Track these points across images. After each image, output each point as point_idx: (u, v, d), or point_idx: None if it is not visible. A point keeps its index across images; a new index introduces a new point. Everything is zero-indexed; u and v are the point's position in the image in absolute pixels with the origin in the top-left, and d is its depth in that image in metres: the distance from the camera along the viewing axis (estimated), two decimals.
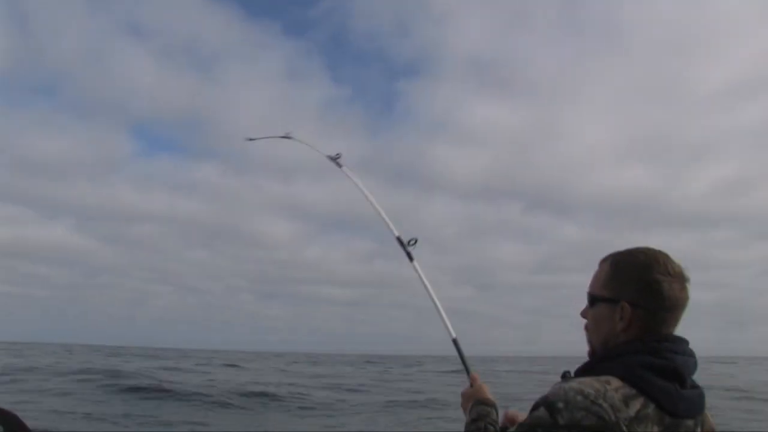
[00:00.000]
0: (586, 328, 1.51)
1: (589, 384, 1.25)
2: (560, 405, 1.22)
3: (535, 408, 1.28)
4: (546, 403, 1.26)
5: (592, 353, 1.48)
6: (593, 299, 1.48)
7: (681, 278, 1.39)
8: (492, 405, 1.72)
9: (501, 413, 1.74)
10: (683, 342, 1.40)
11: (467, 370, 1.97)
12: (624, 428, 1.20)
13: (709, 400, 1.42)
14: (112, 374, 22.75)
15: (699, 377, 1.42)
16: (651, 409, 1.25)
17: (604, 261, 1.50)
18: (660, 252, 1.43)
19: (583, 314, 1.52)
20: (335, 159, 2.91)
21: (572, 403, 1.21)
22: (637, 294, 1.38)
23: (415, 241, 2.37)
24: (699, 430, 1.33)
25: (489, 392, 1.80)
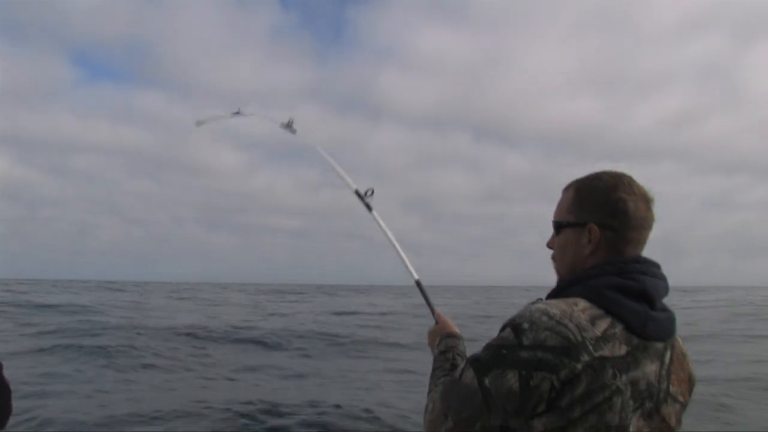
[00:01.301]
0: (553, 257, 1.48)
1: (556, 305, 1.25)
2: (525, 325, 1.22)
3: (502, 329, 1.28)
4: (512, 323, 1.25)
5: (561, 282, 1.45)
6: (558, 226, 1.45)
7: (646, 198, 1.38)
8: (459, 337, 1.71)
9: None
10: (653, 264, 1.37)
11: (432, 309, 1.96)
12: (590, 347, 1.19)
13: None
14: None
15: None
16: (618, 329, 1.24)
17: (567, 189, 1.47)
18: (623, 174, 1.42)
19: (549, 244, 1.50)
20: (289, 126, 2.93)
21: (537, 324, 1.21)
22: (603, 215, 1.36)
23: (372, 192, 2.34)
24: (669, 353, 1.32)
25: (454, 325, 1.78)
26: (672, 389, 1.31)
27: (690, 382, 1.37)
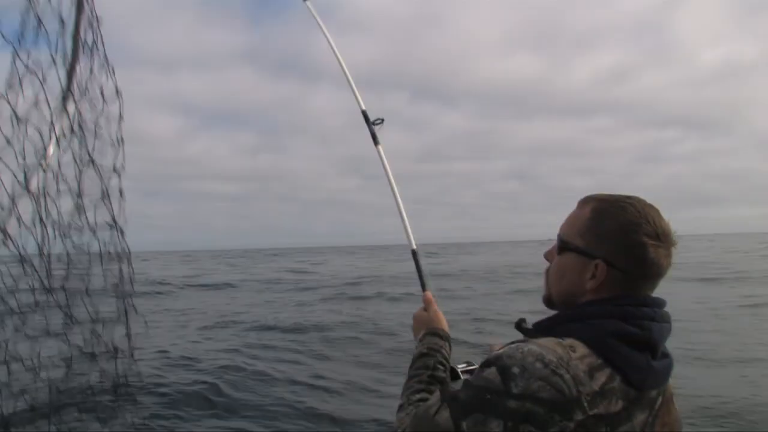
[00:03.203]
0: (547, 272, 1.33)
1: (552, 349, 1.11)
2: (515, 370, 1.08)
3: (486, 365, 1.13)
4: (499, 365, 1.11)
5: (548, 301, 1.33)
6: (564, 246, 1.27)
7: (668, 243, 1.22)
8: (446, 338, 1.50)
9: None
10: (661, 305, 1.23)
11: (423, 287, 1.74)
12: (585, 405, 1.07)
13: None
14: None
15: None
16: (617, 382, 1.12)
17: (585, 203, 1.28)
18: (650, 208, 1.24)
19: (547, 257, 1.34)
20: None
21: (530, 371, 1.07)
22: (616, 254, 1.20)
23: (382, 121, 1.95)
24: (660, 398, 1.21)
25: (444, 321, 1.57)
26: None
27: (675, 423, 1.27)
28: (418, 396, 1.30)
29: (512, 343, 1.20)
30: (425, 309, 1.62)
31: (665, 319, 1.23)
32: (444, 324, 1.56)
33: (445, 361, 1.42)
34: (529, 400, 1.06)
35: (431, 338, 1.48)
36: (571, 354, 1.11)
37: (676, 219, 1.28)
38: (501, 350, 1.15)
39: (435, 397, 1.18)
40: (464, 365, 1.44)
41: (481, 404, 1.09)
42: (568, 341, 1.14)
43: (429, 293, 1.67)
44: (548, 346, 1.12)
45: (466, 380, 1.16)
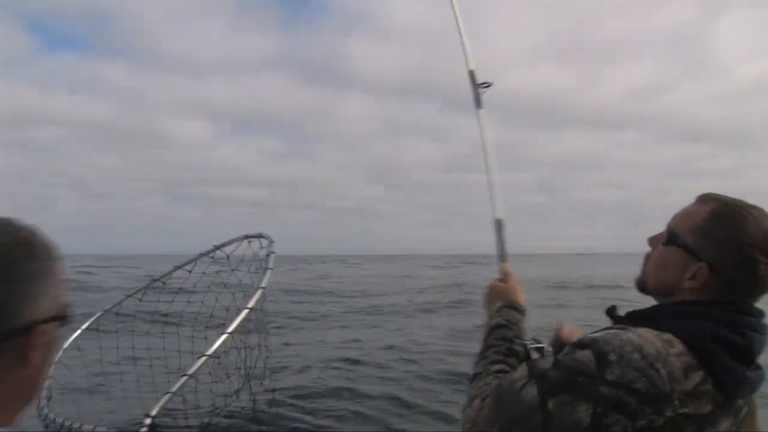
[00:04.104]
0: (647, 258, 1.31)
1: (651, 342, 1.10)
2: (612, 357, 1.08)
3: (580, 347, 1.13)
4: (596, 348, 1.10)
5: (642, 286, 1.32)
6: (672, 239, 1.25)
7: None
8: (523, 313, 1.47)
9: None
10: (764, 316, 1.21)
11: (502, 258, 1.68)
12: (676, 402, 1.06)
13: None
14: None
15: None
16: (709, 385, 1.10)
17: (704, 201, 1.25)
18: None
19: (652, 242, 1.31)
20: None
21: (627, 360, 1.07)
22: (724, 262, 1.19)
23: (489, 85, 1.87)
24: (745, 409, 1.19)
25: (522, 295, 1.53)
26: None
27: None
28: (497, 367, 1.27)
29: (609, 328, 1.20)
30: (502, 280, 1.58)
31: (765, 331, 1.20)
32: (522, 298, 1.52)
33: (521, 336, 1.39)
34: (623, 389, 1.05)
35: (510, 311, 1.46)
36: (669, 349, 1.10)
37: None
38: (597, 334, 1.16)
39: (521, 372, 1.16)
40: (531, 342, 1.39)
41: (572, 386, 1.08)
42: (667, 336, 1.12)
43: (507, 265, 1.64)
44: (647, 338, 1.11)
45: (557, 359, 1.14)
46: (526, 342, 1.42)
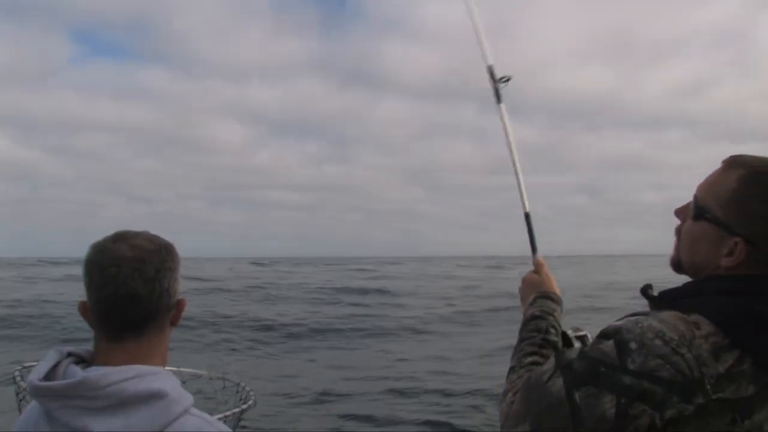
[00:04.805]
0: (677, 234, 1.21)
1: (673, 326, 1.03)
2: (633, 346, 1.02)
3: (603, 337, 1.08)
4: (617, 337, 1.05)
5: (677, 264, 1.23)
6: (700, 213, 1.14)
7: None
8: (558, 302, 1.44)
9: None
10: None
11: (534, 251, 1.66)
12: (708, 387, 0.99)
13: None
14: None
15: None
16: (747, 365, 1.02)
17: (731, 166, 1.14)
18: None
19: (679, 214, 1.21)
20: None
21: (648, 347, 1.01)
22: (762, 235, 1.08)
23: (508, 80, 1.85)
24: None
25: (556, 284, 1.51)
26: None
27: None
28: (530, 359, 1.25)
29: (632, 315, 1.13)
30: (536, 272, 1.56)
31: None
32: (556, 287, 1.50)
33: (557, 325, 1.36)
34: (646, 378, 0.99)
35: (544, 301, 1.43)
36: (695, 332, 1.02)
37: None
38: (620, 322, 1.09)
39: (549, 364, 1.12)
40: (572, 330, 1.38)
41: (596, 377, 1.03)
42: (693, 317, 1.05)
43: (540, 257, 1.61)
44: (670, 322, 1.04)
45: (582, 350, 1.10)
46: (566, 330, 1.40)
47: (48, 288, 23.06)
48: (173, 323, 1.21)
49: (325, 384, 8.95)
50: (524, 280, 1.55)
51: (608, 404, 1.01)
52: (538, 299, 1.44)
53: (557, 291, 1.49)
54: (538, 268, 1.56)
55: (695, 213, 1.17)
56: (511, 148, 1.78)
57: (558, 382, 1.06)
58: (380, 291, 24.50)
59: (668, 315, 1.06)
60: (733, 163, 1.16)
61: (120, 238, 1.15)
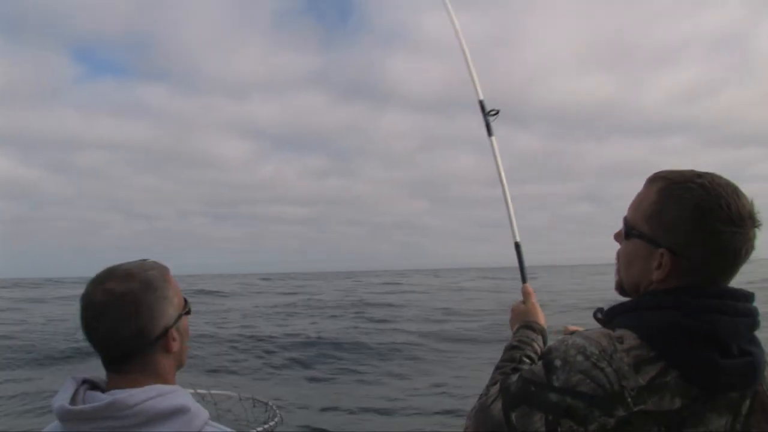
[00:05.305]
0: (617, 255, 1.24)
1: (596, 341, 1.06)
2: (558, 363, 1.06)
3: (540, 358, 1.15)
4: (545, 357, 1.10)
5: (620, 287, 1.24)
6: (629, 230, 1.19)
7: (748, 225, 1.08)
8: (540, 331, 1.47)
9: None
10: (738, 297, 1.10)
11: (523, 279, 1.73)
12: (628, 400, 1.00)
13: None
14: None
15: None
16: (672, 377, 1.02)
17: (651, 182, 1.18)
18: (725, 186, 1.10)
19: (617, 238, 1.24)
20: None
21: (570, 363, 1.05)
22: (684, 243, 1.10)
23: (497, 113, 1.93)
24: (747, 403, 1.08)
25: (541, 314, 1.55)
26: None
27: None
28: (495, 387, 1.27)
29: (561, 337, 1.17)
30: (523, 302, 1.60)
31: (743, 313, 1.08)
32: (540, 317, 1.54)
33: (534, 354, 1.38)
34: (569, 393, 1.03)
35: (524, 331, 1.47)
36: (616, 345, 1.04)
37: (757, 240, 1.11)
38: (551, 343, 1.15)
39: (495, 388, 1.18)
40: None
41: (527, 396, 1.08)
42: (619, 332, 1.08)
43: (528, 286, 1.66)
44: (593, 338, 1.07)
45: (520, 373, 1.15)
46: None
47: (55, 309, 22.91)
48: (168, 351, 1.24)
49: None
50: (512, 310, 1.59)
51: (539, 423, 1.05)
52: (521, 329, 1.47)
53: (541, 320, 1.51)
54: (525, 297, 1.61)
55: (625, 232, 1.21)
56: (501, 180, 1.84)
57: (498, 405, 1.12)
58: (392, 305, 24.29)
59: (593, 332, 1.10)
60: (654, 178, 1.18)
61: (99, 280, 1.21)
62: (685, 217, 1.09)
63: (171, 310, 1.24)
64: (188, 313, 1.31)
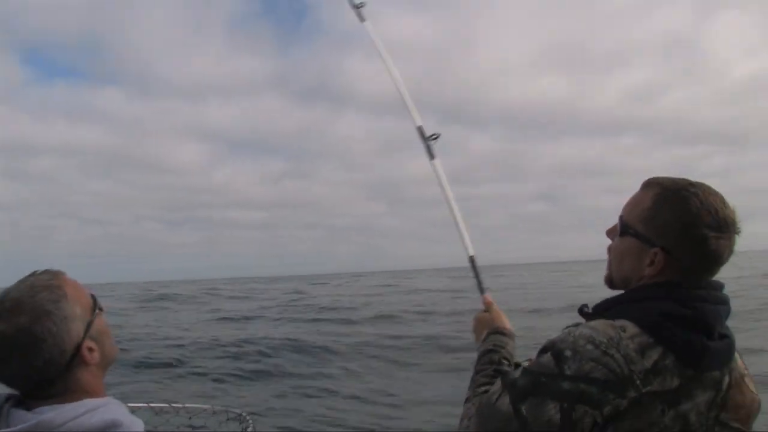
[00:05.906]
0: (609, 252, 1.37)
1: (602, 331, 1.16)
2: (568, 353, 1.15)
3: (542, 352, 1.21)
4: (553, 349, 1.18)
5: (610, 281, 1.38)
6: (625, 229, 1.32)
7: (731, 232, 1.25)
8: (510, 336, 1.56)
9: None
10: (716, 287, 1.27)
11: (481, 290, 1.80)
12: (638, 382, 1.12)
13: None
14: None
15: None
16: (670, 360, 1.15)
17: (648, 186, 1.32)
18: (714, 196, 1.26)
19: (610, 234, 1.38)
20: (358, 7, 2.28)
21: (581, 352, 1.14)
22: (676, 244, 1.25)
23: (437, 137, 2.02)
24: (726, 378, 1.23)
25: (506, 319, 1.64)
26: (722, 416, 1.22)
27: (751, 405, 1.27)
28: (482, 389, 1.34)
29: (566, 328, 1.26)
30: (486, 310, 1.68)
31: (721, 301, 1.25)
32: (507, 323, 1.62)
33: (509, 357, 1.48)
34: (583, 380, 1.11)
35: (496, 336, 1.54)
36: (621, 334, 1.15)
37: None
38: (554, 337, 1.23)
39: (497, 385, 1.25)
40: (527, 362, 1.51)
41: (538, 388, 1.15)
42: (620, 322, 1.18)
43: (488, 296, 1.74)
44: (599, 328, 1.17)
45: (524, 367, 1.22)
46: (523, 363, 1.52)
47: None
48: (88, 363, 1.16)
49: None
50: (476, 319, 1.66)
51: (553, 410, 1.12)
52: (491, 335, 1.55)
53: (508, 326, 1.59)
54: (487, 307, 1.69)
55: (621, 230, 1.34)
56: (448, 201, 1.92)
57: (505, 400, 1.18)
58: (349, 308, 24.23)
59: (597, 323, 1.20)
60: (650, 183, 1.32)
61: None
62: (679, 223, 1.23)
63: (75, 326, 1.15)
64: (99, 312, 1.22)
